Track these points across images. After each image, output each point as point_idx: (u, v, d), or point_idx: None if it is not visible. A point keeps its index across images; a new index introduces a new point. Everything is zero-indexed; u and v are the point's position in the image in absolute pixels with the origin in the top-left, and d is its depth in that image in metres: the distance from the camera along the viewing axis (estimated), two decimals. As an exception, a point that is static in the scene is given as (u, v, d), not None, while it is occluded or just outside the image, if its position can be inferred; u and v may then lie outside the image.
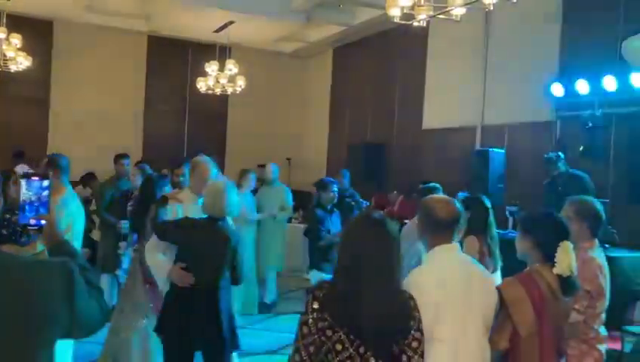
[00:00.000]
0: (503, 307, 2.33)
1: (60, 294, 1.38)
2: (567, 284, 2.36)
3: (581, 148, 6.29)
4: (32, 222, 1.73)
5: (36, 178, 1.77)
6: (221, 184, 3.70)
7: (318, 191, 5.57)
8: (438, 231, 2.30)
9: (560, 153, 6.13)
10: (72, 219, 3.74)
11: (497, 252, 3.60)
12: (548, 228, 2.47)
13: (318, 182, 5.71)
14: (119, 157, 6.88)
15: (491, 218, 3.71)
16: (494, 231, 3.69)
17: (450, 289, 2.19)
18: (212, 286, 3.48)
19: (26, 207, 1.75)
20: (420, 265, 2.33)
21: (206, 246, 3.50)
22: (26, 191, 1.75)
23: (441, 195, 2.47)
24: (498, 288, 2.36)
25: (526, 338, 2.30)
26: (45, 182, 1.78)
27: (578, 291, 2.48)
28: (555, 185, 5.99)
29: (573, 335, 2.72)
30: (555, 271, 2.35)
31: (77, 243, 3.77)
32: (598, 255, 2.91)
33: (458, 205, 2.36)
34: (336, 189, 5.53)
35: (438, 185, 4.75)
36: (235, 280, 3.65)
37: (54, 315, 1.37)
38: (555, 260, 2.35)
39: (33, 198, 1.76)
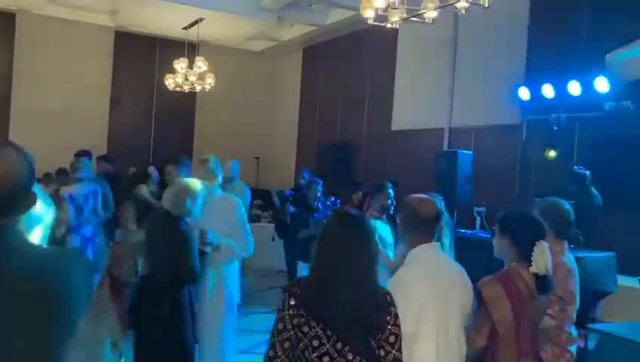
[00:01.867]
0: (481, 305, 2.38)
1: (82, 283, 1.38)
2: (543, 283, 2.42)
3: (546, 151, 6.46)
4: None
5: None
6: (186, 184, 3.73)
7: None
8: (422, 229, 2.33)
9: (584, 170, 5.77)
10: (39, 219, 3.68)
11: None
12: (525, 228, 2.53)
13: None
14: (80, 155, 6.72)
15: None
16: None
17: (436, 287, 2.23)
18: (171, 283, 3.58)
19: None
20: (406, 264, 2.34)
21: (159, 243, 3.63)
22: None
23: (420, 195, 2.49)
24: (477, 286, 2.41)
25: (504, 335, 2.35)
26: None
27: (553, 290, 2.54)
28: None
29: (546, 340, 2.77)
30: (532, 270, 2.41)
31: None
32: (568, 258, 2.97)
33: (438, 203, 2.40)
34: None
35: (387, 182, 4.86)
36: (190, 279, 3.67)
37: (75, 306, 1.36)
38: (532, 259, 2.40)
39: None
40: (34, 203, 1.36)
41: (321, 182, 6.93)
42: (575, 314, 2.92)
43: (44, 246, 1.56)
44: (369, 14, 4.80)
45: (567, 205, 3.05)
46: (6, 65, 10.65)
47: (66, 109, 10.88)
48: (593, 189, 5.68)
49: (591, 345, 4.20)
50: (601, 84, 5.94)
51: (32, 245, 1.39)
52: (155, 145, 11.83)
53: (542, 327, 2.62)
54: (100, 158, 8.10)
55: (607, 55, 5.68)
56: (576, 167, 5.93)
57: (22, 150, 1.35)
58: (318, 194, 6.95)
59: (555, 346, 2.84)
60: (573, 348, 2.90)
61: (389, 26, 4.92)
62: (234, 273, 4.24)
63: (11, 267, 1.26)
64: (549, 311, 2.73)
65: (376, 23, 5.00)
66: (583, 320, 4.24)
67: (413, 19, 4.89)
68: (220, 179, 4.18)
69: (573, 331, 2.95)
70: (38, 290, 1.27)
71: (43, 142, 9.74)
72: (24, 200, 1.33)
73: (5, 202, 1.29)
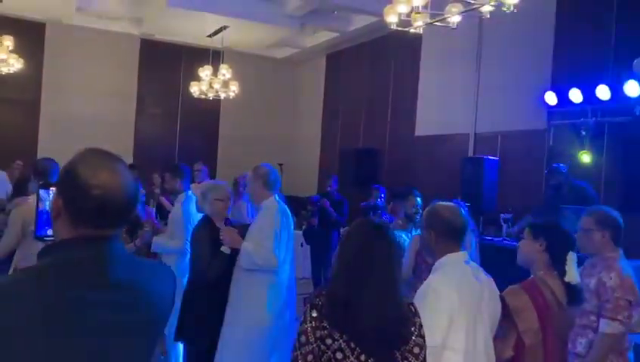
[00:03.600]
0: (507, 315, 2.32)
1: (169, 293, 1.45)
2: (574, 293, 2.36)
3: (578, 156, 6.34)
4: (49, 232, 1.70)
5: (53, 188, 1.75)
6: (208, 183, 3.84)
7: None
8: (452, 238, 2.28)
9: (562, 165, 6.14)
10: None
11: None
12: (559, 236, 2.49)
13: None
14: None
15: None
16: None
17: (465, 297, 2.18)
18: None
19: (44, 218, 1.72)
20: (434, 273, 2.30)
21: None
22: (42, 202, 1.73)
23: (447, 203, 2.45)
24: (502, 296, 2.35)
25: (530, 346, 2.30)
26: None
27: (583, 301, 2.48)
28: (557, 195, 6.02)
29: (615, 348, 2.69)
30: (567, 279, 2.35)
31: None
32: (625, 264, 2.90)
33: (463, 211, 2.36)
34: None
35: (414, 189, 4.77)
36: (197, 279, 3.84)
37: (165, 319, 1.43)
38: (566, 268, 2.35)
39: (43, 208, 1.73)
40: (129, 217, 1.40)
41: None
42: None
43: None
44: (392, 19, 4.78)
45: (617, 213, 3.01)
46: (36, 74, 10.88)
47: (94, 116, 11.06)
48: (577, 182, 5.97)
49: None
50: (632, 88, 5.80)
51: (131, 256, 1.45)
52: (181, 152, 11.94)
53: (608, 332, 2.56)
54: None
55: (636, 60, 5.57)
56: (555, 164, 6.18)
57: (126, 164, 1.39)
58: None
59: (619, 356, 2.76)
60: (630, 355, 2.82)
61: (412, 31, 4.89)
62: (275, 286, 3.80)
63: (118, 276, 1.29)
64: (619, 317, 2.66)
65: (399, 28, 4.98)
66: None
67: (436, 23, 4.85)
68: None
69: (631, 338, 2.88)
70: (136, 300, 1.31)
71: (71, 149, 9.85)
72: (132, 213, 1.37)
73: (120, 214, 1.32)
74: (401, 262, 2.03)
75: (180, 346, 4.31)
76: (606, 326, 2.70)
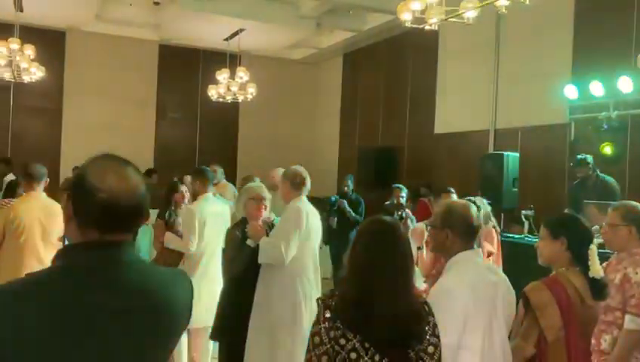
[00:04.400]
0: (529, 311, 2.29)
1: (186, 304, 1.43)
2: (599, 288, 2.32)
3: (600, 148, 6.22)
4: None
5: None
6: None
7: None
8: (467, 235, 2.26)
9: (589, 156, 6.03)
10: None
11: None
12: (579, 231, 2.44)
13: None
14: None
15: None
16: None
17: (480, 295, 2.15)
18: None
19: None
20: (447, 272, 2.27)
21: None
22: None
23: (461, 200, 2.42)
24: (524, 292, 2.32)
25: (553, 343, 2.26)
26: None
27: (607, 296, 2.43)
28: (582, 188, 5.94)
29: (635, 346, 2.63)
30: (592, 273, 2.31)
31: None
32: None
33: (484, 207, 2.33)
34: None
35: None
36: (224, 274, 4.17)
37: (180, 326, 1.42)
38: (590, 263, 2.30)
39: None
40: (147, 219, 1.41)
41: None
42: None
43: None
44: (406, 17, 4.74)
45: None
46: (58, 81, 11.05)
47: (115, 122, 11.19)
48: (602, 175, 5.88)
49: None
50: (654, 79, 5.69)
51: (144, 261, 1.45)
52: (201, 156, 12.03)
53: (632, 329, 2.53)
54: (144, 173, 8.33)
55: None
56: (581, 156, 6.05)
57: (136, 168, 1.39)
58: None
59: None
60: None
61: (427, 27, 4.84)
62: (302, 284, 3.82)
63: (130, 281, 1.30)
64: None
65: (414, 25, 4.93)
66: None
67: (452, 19, 4.80)
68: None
69: None
70: (148, 305, 1.31)
71: (93, 154, 10.06)
72: (143, 217, 1.37)
73: (128, 218, 1.32)
74: (412, 260, 2.00)
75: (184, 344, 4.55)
76: (630, 323, 2.64)
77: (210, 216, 4.65)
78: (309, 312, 3.71)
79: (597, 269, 2.30)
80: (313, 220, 3.93)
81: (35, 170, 4.29)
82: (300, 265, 3.80)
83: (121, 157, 1.39)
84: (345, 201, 8.05)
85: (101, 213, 1.27)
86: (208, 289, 4.39)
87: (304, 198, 4.01)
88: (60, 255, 1.31)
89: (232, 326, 3.83)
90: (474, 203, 2.59)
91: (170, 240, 4.69)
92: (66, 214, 1.32)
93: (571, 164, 6.29)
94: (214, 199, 4.88)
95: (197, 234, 4.54)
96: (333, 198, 8.27)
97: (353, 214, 7.95)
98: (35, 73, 8.85)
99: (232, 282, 3.96)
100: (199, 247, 4.58)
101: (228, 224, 4.70)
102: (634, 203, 3.02)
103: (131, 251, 1.35)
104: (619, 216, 2.86)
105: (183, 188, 5.06)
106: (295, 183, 3.99)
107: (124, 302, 1.27)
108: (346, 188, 8.31)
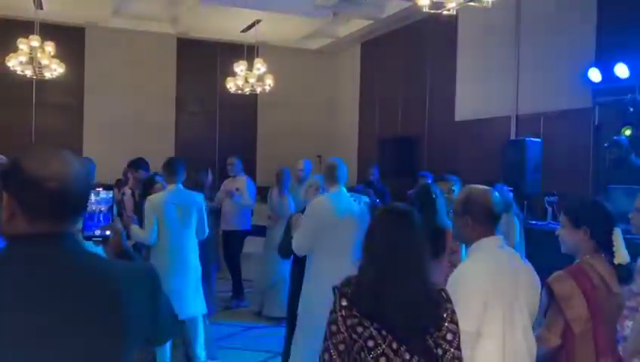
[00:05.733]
0: (553, 302, 2.23)
1: (145, 299, 1.35)
2: (625, 273, 2.25)
3: (626, 133, 6.07)
4: (97, 233, 1.73)
5: (100, 188, 1.78)
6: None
7: None
8: (489, 222, 2.21)
9: (623, 137, 5.90)
10: None
11: None
12: (601, 218, 2.36)
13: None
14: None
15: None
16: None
17: (500, 282, 2.11)
18: None
19: (93, 218, 1.76)
20: (466, 259, 2.23)
21: None
22: (94, 203, 1.76)
23: (482, 186, 2.36)
24: (548, 282, 2.26)
25: (580, 334, 2.20)
26: (109, 193, 1.79)
27: (634, 279, 2.36)
28: (614, 170, 5.81)
29: None
30: (617, 260, 2.25)
31: None
32: None
33: (506, 194, 2.27)
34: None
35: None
36: None
37: (139, 320, 1.32)
38: (614, 249, 2.24)
39: (95, 209, 1.76)
40: (85, 209, 1.35)
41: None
42: None
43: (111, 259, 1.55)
44: (424, 2, 4.68)
45: None
46: (78, 77, 11.15)
47: (135, 117, 11.28)
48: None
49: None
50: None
51: (90, 255, 1.34)
52: (221, 148, 12.06)
53: None
54: None
55: None
56: (615, 137, 5.93)
57: (78, 157, 1.35)
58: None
59: None
60: None
61: (445, 12, 4.78)
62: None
63: (72, 268, 1.25)
64: None
65: (432, 11, 4.87)
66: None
67: (471, 3, 4.73)
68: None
69: None
70: (91, 292, 1.25)
71: (115, 150, 10.17)
72: (80, 205, 1.32)
73: (80, 202, 1.29)
74: (422, 247, 1.97)
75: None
76: None
77: (174, 207, 4.68)
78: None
79: (622, 256, 2.24)
80: (343, 213, 3.89)
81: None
82: (327, 255, 3.81)
83: (55, 145, 1.35)
84: (371, 190, 7.99)
85: (52, 201, 1.24)
86: (174, 281, 4.42)
87: (339, 189, 4.00)
88: (6, 247, 1.27)
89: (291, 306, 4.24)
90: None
91: (135, 233, 4.74)
92: (8, 209, 1.26)
93: (605, 144, 6.14)
94: (183, 190, 4.85)
95: (153, 225, 4.60)
96: (359, 188, 8.22)
97: (378, 203, 7.89)
98: (55, 70, 8.95)
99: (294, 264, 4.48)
100: (162, 239, 4.62)
101: (203, 215, 4.80)
102: None
103: (78, 241, 1.31)
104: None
105: (158, 183, 5.16)
106: (326, 175, 4.08)
107: (68, 286, 1.23)
108: (371, 177, 8.25)
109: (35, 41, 8.46)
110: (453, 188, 6.64)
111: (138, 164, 6.09)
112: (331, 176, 4.01)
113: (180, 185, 4.84)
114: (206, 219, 4.89)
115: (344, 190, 4.04)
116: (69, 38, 10.73)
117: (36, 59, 8.60)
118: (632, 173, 5.58)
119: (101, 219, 1.76)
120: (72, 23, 10.96)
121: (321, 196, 4.04)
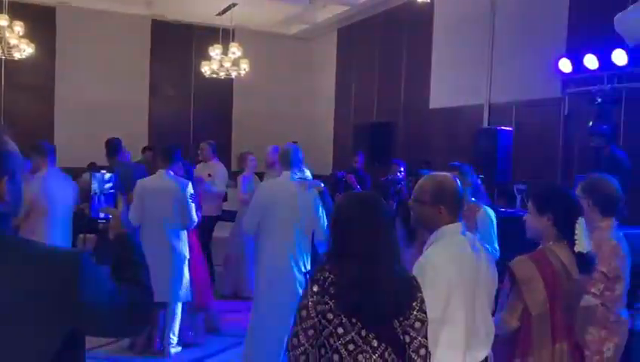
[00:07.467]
0: (514, 285, 2.29)
1: (59, 287, 1.28)
2: (585, 261, 2.32)
3: (590, 124, 6.20)
4: (102, 215, 1.74)
5: (103, 171, 1.82)
6: None
7: None
8: (457, 210, 2.24)
9: (605, 127, 5.92)
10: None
11: None
12: (566, 206, 2.41)
13: None
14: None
15: None
16: None
17: (464, 268, 2.14)
18: None
19: (96, 200, 1.78)
20: (431, 246, 2.24)
21: None
22: (94, 185, 1.77)
23: (442, 173, 2.39)
24: (509, 266, 2.32)
25: (537, 317, 2.26)
26: (108, 175, 1.81)
27: (594, 267, 2.44)
28: (594, 159, 5.91)
29: (590, 321, 2.65)
30: (577, 248, 2.31)
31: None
32: (615, 235, 2.82)
33: (471, 176, 2.30)
34: None
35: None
36: None
37: (50, 309, 1.26)
38: (576, 238, 2.30)
39: (97, 191, 1.79)
40: None
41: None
42: (625, 297, 2.79)
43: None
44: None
45: (614, 181, 2.92)
46: (49, 58, 10.93)
47: (108, 99, 11.11)
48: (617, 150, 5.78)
49: (638, 325, 4.06)
50: (649, 52, 5.65)
51: (14, 242, 1.31)
52: (195, 132, 11.98)
53: (584, 306, 2.51)
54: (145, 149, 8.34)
55: (617, 16, 5.40)
56: (597, 126, 5.98)
57: None
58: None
59: (602, 329, 2.70)
60: (624, 332, 2.76)
61: (420, 0, 4.80)
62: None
63: None
64: (593, 290, 2.62)
65: (407, -1, 4.90)
66: (630, 299, 4.10)
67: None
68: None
69: (624, 314, 2.81)
70: (12, 291, 1.21)
71: (87, 132, 10.02)
72: None
73: None
74: (392, 234, 2.00)
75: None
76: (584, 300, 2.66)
77: (155, 193, 4.74)
78: (267, 282, 4.09)
79: (582, 244, 2.30)
80: (282, 194, 4.14)
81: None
82: (267, 237, 4.14)
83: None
84: (353, 176, 8.01)
85: None
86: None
87: (287, 174, 4.23)
88: None
89: None
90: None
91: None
92: None
93: (589, 132, 6.24)
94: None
95: (137, 208, 4.76)
96: (340, 174, 8.25)
97: (359, 190, 7.92)
98: (25, 50, 8.76)
99: None
100: (143, 222, 4.78)
101: (185, 203, 4.76)
102: (601, 175, 3.00)
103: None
104: (580, 188, 2.86)
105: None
106: (280, 160, 4.36)
107: None
108: (355, 164, 8.26)
109: (3, 20, 8.26)
110: (400, 169, 6.91)
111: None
112: (284, 161, 4.27)
113: (164, 172, 4.86)
114: (190, 207, 4.81)
115: (290, 174, 4.21)
116: (40, 18, 10.48)
117: (5, 38, 8.40)
118: (612, 163, 5.63)
119: (102, 200, 1.78)
120: (42, 2, 10.71)
121: (268, 180, 4.24)
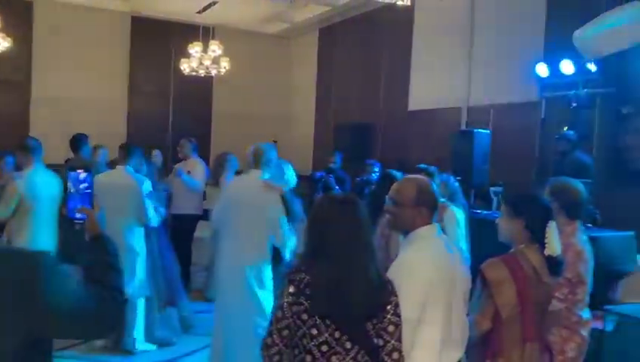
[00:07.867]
0: (485, 287, 2.33)
1: (20, 287, 1.27)
2: (555, 264, 2.37)
3: (565, 128, 6.31)
4: (78, 215, 1.73)
5: (80, 171, 1.78)
6: None
7: None
8: (434, 211, 2.25)
9: (572, 132, 6.09)
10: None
11: None
12: (538, 209, 2.45)
13: None
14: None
15: None
16: None
17: (441, 269, 2.15)
18: None
19: (71, 200, 1.76)
20: (407, 247, 2.24)
21: None
22: (69, 184, 1.76)
23: (417, 176, 2.41)
24: (481, 268, 2.35)
25: (508, 319, 2.30)
26: (84, 175, 1.78)
27: (563, 272, 2.49)
28: (560, 163, 6.03)
29: (554, 323, 2.72)
30: (547, 251, 2.35)
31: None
32: (579, 238, 2.88)
33: (452, 184, 2.33)
34: None
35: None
36: None
37: (17, 309, 1.26)
38: (546, 241, 2.34)
39: (73, 190, 1.76)
40: None
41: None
42: (587, 297, 2.86)
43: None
44: (379, -8, 4.72)
45: (579, 185, 2.98)
46: (26, 53, 10.75)
47: (86, 95, 10.97)
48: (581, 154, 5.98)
49: (609, 326, 4.14)
50: (622, 59, 5.75)
51: None
52: (174, 130, 11.89)
53: (550, 310, 2.56)
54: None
55: (575, 32, 5.52)
56: (565, 132, 6.19)
57: None
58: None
59: (564, 329, 2.78)
60: (585, 332, 2.84)
61: (400, 3, 4.84)
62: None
63: None
64: (557, 294, 2.68)
65: (388, 0, 4.92)
66: (601, 301, 4.18)
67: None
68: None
69: (585, 314, 2.88)
70: None
71: (63, 129, 9.86)
72: None
73: None
74: (370, 236, 2.01)
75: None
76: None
77: (110, 189, 4.62)
78: (224, 282, 4.13)
79: (553, 248, 2.34)
80: (244, 193, 4.18)
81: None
82: (226, 236, 4.20)
83: None
84: (332, 177, 8.01)
85: None
86: None
87: (250, 174, 4.29)
88: None
89: None
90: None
91: None
92: None
93: (556, 136, 6.38)
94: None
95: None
96: (318, 174, 8.25)
97: (338, 191, 7.91)
98: (0, 44, 8.61)
99: None
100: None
101: (140, 200, 4.75)
102: (567, 179, 3.05)
103: None
104: (548, 191, 2.92)
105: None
106: (250, 159, 4.35)
107: None
108: (332, 165, 8.23)
109: (-22, 13, 8.11)
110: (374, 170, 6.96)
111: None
112: (254, 159, 4.29)
113: (122, 168, 4.88)
114: (145, 205, 4.76)
115: (260, 174, 4.22)
116: (16, 12, 10.31)
117: (-20, 32, 8.26)
118: (575, 167, 5.80)
119: (78, 200, 1.75)
120: (19, -5, 10.55)
121: (236, 178, 4.37)
